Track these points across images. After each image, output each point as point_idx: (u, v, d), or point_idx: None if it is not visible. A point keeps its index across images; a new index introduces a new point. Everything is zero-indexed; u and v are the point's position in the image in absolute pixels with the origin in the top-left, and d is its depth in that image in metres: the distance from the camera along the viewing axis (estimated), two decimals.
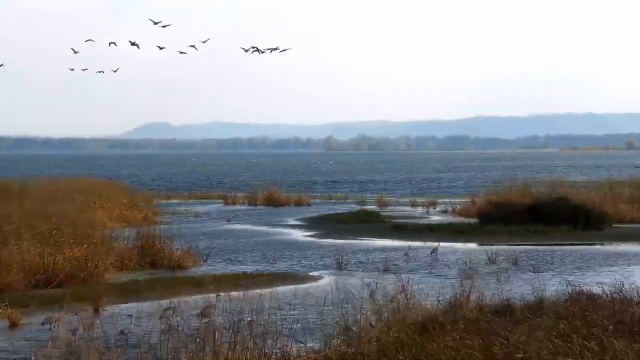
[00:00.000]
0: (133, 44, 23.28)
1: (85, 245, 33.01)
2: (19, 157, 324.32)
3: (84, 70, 25.09)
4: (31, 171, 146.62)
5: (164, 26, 21.39)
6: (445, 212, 64.37)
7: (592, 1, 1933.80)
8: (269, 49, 21.73)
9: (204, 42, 21.94)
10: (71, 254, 31.76)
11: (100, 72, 25.07)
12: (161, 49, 23.50)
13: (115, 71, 25.43)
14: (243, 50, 22.29)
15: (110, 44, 23.57)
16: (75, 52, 24.73)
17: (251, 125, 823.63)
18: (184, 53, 22.12)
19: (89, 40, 22.89)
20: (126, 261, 35.11)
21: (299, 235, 49.41)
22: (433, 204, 69.59)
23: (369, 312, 19.56)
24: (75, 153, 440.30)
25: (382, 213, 62.75)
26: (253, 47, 21.90)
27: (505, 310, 19.83)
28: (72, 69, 24.96)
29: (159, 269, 35.26)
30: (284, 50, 21.78)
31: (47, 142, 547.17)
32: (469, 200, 65.26)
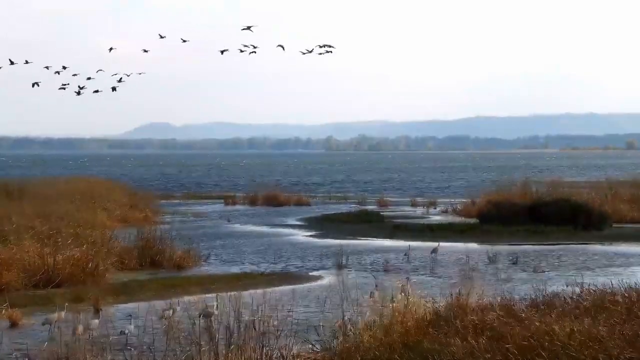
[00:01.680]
0: (145, 51, 23.32)
1: (85, 246, 33.02)
2: (22, 157, 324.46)
3: (113, 75, 25.19)
4: (39, 172, 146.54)
5: (248, 28, 21.28)
6: (445, 212, 64.34)
7: (592, 1, 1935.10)
8: (325, 50, 21.73)
9: (255, 48, 21.79)
10: (71, 254, 31.76)
11: (129, 74, 25.20)
12: (162, 37, 23.46)
13: (140, 74, 25.59)
14: (301, 53, 22.19)
15: (144, 51, 23.65)
16: (146, 51, 24.73)
17: (251, 126, 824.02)
18: (252, 52, 21.95)
19: (150, 41, 23.04)
20: (126, 261, 35.10)
21: (299, 235, 49.40)
22: (433, 204, 69.58)
23: (368, 312, 19.56)
24: (76, 153, 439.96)
25: (382, 213, 62.76)
26: (309, 50, 21.84)
27: (505, 310, 19.78)
28: (101, 70, 25.02)
29: (159, 269, 35.25)
30: (332, 48, 21.76)
31: (47, 142, 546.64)
32: (469, 200, 65.24)
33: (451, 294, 20.87)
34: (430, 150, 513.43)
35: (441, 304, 20.21)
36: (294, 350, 17.38)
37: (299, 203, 74.14)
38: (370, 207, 68.85)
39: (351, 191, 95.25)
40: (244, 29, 21.42)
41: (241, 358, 16.45)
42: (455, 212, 62.63)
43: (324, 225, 54.34)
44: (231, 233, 50.48)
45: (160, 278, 32.52)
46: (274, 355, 16.98)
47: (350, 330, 18.15)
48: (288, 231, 51.67)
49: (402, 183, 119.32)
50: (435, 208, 67.82)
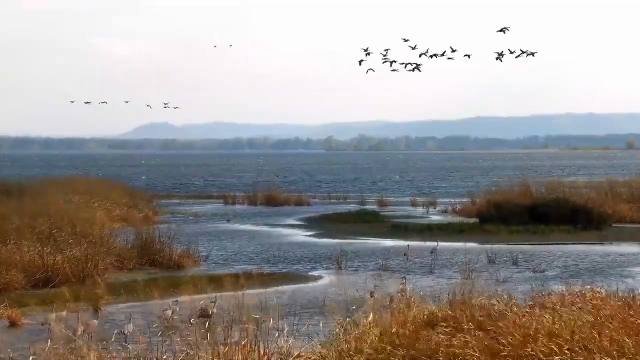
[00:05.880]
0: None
1: (84, 245, 33.04)
2: (23, 157, 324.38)
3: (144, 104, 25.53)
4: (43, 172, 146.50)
5: (502, 30, 20.60)
6: (445, 212, 64.34)
7: (592, 1, 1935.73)
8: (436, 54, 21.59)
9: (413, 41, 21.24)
10: (71, 253, 31.80)
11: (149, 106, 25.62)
12: (467, 56, 22.19)
13: (150, 107, 25.90)
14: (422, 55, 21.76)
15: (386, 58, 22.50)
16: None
17: (252, 126, 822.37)
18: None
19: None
20: (125, 261, 35.14)
21: (299, 235, 49.42)
22: (433, 204, 69.53)
23: (368, 312, 19.54)
24: (76, 153, 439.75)
25: (382, 213, 62.78)
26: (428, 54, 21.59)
27: (504, 310, 19.78)
28: (150, 107, 25.38)
29: (158, 268, 35.29)
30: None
31: (48, 142, 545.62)
32: (469, 200, 65.24)
33: (450, 295, 20.86)
34: (431, 151, 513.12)
35: (440, 304, 20.19)
36: (294, 350, 17.36)
37: (299, 203, 74.14)
38: (369, 207, 68.86)
39: (351, 191, 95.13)
40: (499, 31, 20.70)
41: (240, 358, 16.43)
42: (455, 212, 62.63)
43: (324, 225, 54.36)
44: (230, 233, 50.48)
45: (159, 278, 32.47)
46: (274, 355, 16.97)
47: (350, 330, 18.14)
48: (288, 231, 51.67)
49: (402, 183, 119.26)
50: (435, 208, 67.80)
